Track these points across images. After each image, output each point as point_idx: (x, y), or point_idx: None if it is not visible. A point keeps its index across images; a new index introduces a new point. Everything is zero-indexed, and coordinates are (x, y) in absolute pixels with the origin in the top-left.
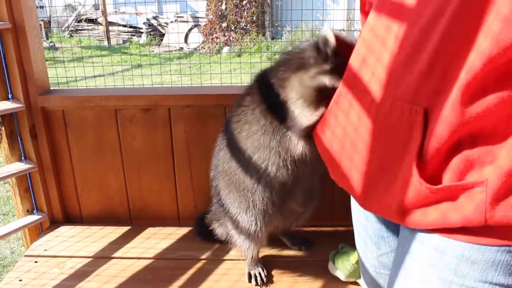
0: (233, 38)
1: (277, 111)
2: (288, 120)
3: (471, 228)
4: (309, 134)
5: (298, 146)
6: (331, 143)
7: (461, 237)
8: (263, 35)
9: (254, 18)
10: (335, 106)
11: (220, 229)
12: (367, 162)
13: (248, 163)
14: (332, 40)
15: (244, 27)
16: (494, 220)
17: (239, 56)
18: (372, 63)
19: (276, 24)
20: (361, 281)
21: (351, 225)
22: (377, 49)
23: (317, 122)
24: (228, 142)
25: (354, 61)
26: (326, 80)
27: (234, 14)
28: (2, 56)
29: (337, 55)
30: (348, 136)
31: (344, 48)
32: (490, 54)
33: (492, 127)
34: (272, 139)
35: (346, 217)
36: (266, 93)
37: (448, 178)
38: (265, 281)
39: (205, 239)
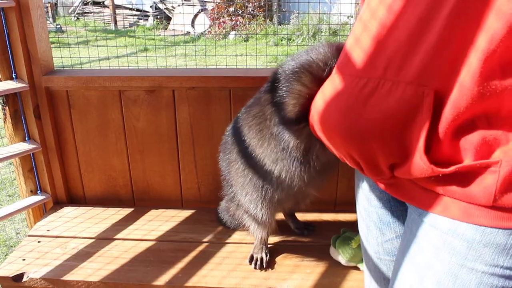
0: (240, 22)
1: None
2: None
3: (480, 210)
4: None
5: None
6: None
7: (471, 220)
8: (270, 20)
9: (262, 2)
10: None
11: (236, 213)
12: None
13: (268, 173)
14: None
15: (252, 11)
16: (504, 202)
17: (246, 41)
18: (364, 42)
19: (283, 9)
20: (361, 265)
21: (354, 211)
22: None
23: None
24: (243, 147)
25: (348, 42)
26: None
27: None
28: (6, 36)
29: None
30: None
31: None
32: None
33: (508, 109)
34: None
35: (349, 204)
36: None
37: (464, 158)
38: (265, 267)
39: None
